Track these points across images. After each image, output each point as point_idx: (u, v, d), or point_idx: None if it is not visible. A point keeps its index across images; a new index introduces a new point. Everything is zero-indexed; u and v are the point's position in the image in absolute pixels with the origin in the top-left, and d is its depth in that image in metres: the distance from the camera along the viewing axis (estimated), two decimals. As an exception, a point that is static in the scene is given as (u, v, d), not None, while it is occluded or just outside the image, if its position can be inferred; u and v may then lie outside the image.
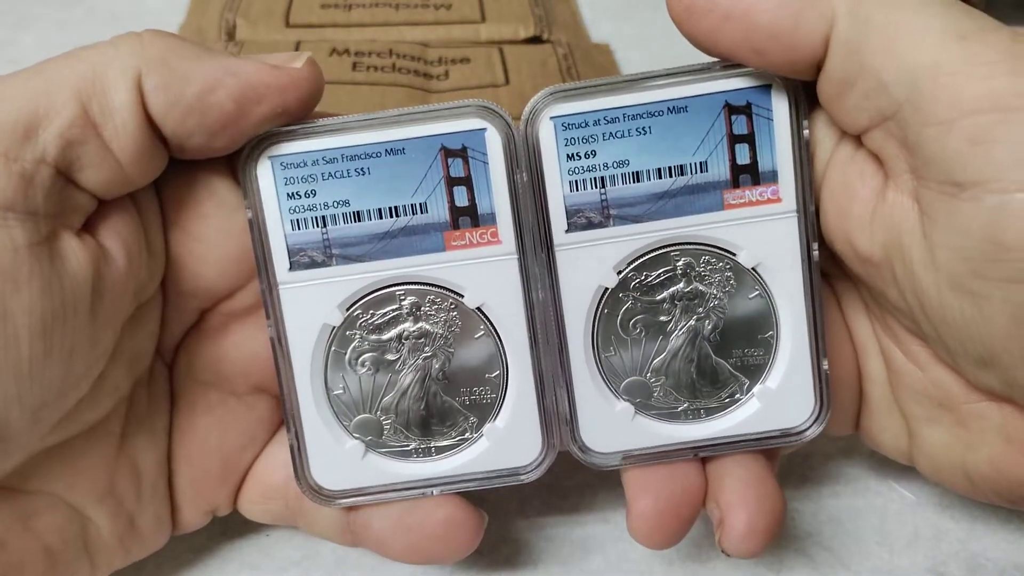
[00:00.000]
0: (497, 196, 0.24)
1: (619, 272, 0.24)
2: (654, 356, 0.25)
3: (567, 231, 0.24)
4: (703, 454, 0.25)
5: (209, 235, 0.24)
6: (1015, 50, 0.19)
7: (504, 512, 0.30)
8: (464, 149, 0.24)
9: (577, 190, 0.24)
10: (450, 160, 0.24)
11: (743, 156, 0.24)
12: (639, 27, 0.54)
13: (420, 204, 0.24)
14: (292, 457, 0.25)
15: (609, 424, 0.25)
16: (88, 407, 0.23)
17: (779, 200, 0.24)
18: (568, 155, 0.24)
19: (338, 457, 0.25)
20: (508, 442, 0.25)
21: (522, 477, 0.25)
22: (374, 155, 0.24)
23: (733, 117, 0.23)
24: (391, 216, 0.24)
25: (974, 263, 0.20)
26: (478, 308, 0.25)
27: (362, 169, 0.24)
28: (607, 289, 0.24)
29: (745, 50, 0.22)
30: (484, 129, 0.23)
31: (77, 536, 0.24)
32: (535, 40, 0.49)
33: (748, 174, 0.24)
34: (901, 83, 0.20)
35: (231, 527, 0.30)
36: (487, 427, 0.25)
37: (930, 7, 0.20)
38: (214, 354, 0.26)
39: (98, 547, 0.25)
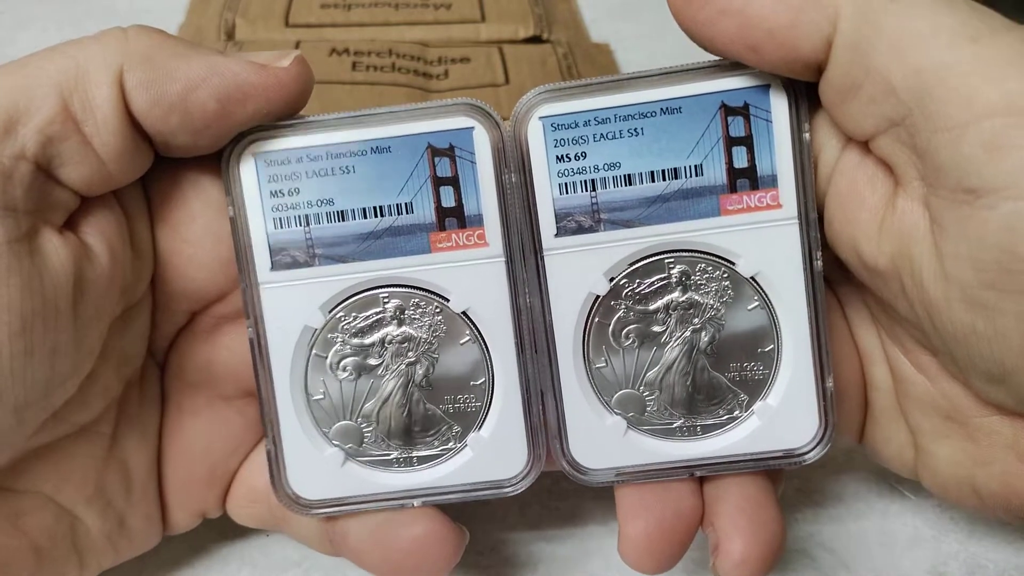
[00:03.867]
0: (485, 197, 0.23)
1: (611, 279, 0.23)
2: (648, 368, 0.24)
3: (556, 235, 0.23)
4: (699, 473, 0.24)
5: (198, 236, 0.24)
6: None
7: (504, 514, 0.30)
8: (451, 148, 0.23)
9: (567, 193, 0.23)
10: (437, 159, 0.23)
11: (740, 159, 0.22)
12: (639, 27, 0.54)
13: (406, 204, 0.23)
14: (269, 464, 0.24)
15: (600, 439, 0.24)
16: (78, 408, 0.23)
17: (779, 206, 0.22)
18: (557, 156, 0.23)
19: (316, 465, 0.24)
20: (493, 453, 0.24)
21: (507, 490, 0.24)
22: (359, 153, 0.23)
23: (730, 118, 0.22)
24: (376, 216, 0.23)
25: (987, 274, 0.19)
26: (464, 313, 0.24)
27: (347, 167, 0.23)
28: (598, 297, 0.23)
29: (741, 47, 0.20)
30: (472, 128, 0.23)
31: (66, 535, 0.24)
32: (535, 40, 0.48)
33: (746, 178, 0.22)
34: (910, 87, 0.19)
35: (231, 527, 0.29)
36: (471, 437, 0.24)
37: (940, 7, 0.19)
38: (205, 356, 0.26)
39: (87, 546, 0.25)
